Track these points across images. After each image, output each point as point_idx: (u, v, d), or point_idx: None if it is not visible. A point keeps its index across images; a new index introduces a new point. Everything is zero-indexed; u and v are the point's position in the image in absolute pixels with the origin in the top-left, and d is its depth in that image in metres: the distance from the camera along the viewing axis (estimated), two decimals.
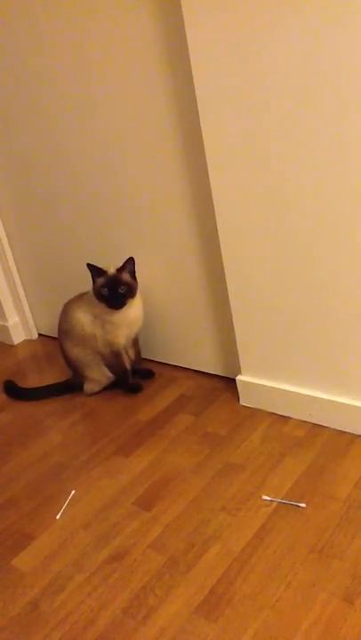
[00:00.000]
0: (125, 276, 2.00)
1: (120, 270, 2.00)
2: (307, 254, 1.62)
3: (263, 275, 1.73)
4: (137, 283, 2.02)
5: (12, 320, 2.78)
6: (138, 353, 2.26)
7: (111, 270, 2.00)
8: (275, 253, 1.67)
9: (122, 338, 2.11)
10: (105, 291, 1.98)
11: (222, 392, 2.10)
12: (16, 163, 2.37)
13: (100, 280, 1.99)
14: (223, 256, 1.79)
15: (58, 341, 2.26)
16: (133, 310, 2.06)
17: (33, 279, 2.67)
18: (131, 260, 2.00)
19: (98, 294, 2.01)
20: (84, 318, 2.10)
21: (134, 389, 2.20)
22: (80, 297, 2.15)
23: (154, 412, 2.07)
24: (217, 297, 2.00)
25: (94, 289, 2.02)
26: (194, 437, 1.90)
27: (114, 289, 1.97)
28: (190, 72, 1.59)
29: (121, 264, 2.00)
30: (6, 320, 2.76)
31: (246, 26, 1.44)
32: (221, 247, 1.78)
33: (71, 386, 2.26)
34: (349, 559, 1.38)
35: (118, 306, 2.00)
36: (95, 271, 2.00)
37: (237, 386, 1.99)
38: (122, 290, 1.98)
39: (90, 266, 2.00)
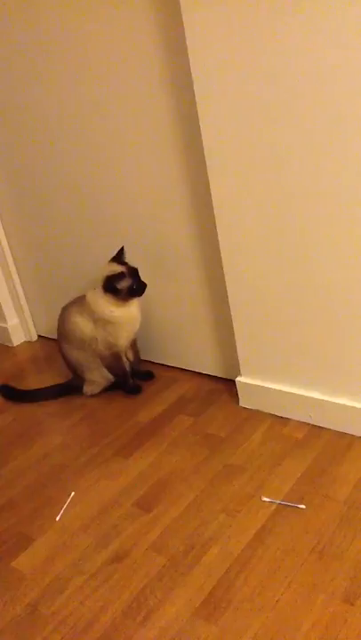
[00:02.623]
0: (130, 266, 2.03)
1: (124, 263, 2.03)
2: (307, 256, 1.62)
3: (263, 276, 1.73)
4: None
5: (12, 321, 2.78)
6: (137, 354, 2.26)
7: (121, 269, 2.01)
8: (274, 255, 1.68)
9: (123, 339, 2.12)
10: (136, 286, 2.02)
11: (222, 393, 2.10)
12: (16, 165, 2.37)
13: (126, 281, 2.00)
14: (223, 257, 1.79)
15: (57, 344, 2.26)
16: (134, 308, 2.08)
17: (32, 280, 2.67)
18: (123, 249, 2.04)
19: (130, 293, 2.02)
20: (82, 322, 2.10)
21: (134, 391, 2.20)
22: (78, 300, 2.15)
23: (153, 413, 2.07)
24: (216, 298, 2.00)
25: (125, 292, 2.01)
26: (194, 439, 1.90)
27: (139, 280, 2.03)
28: (190, 75, 1.59)
29: (117, 257, 2.03)
30: (6, 321, 2.76)
31: (246, 25, 1.44)
32: (221, 248, 1.78)
33: (71, 387, 2.26)
34: (349, 560, 1.38)
35: (144, 288, 2.05)
36: (116, 279, 1.99)
37: (237, 387, 1.99)
38: (139, 276, 2.04)
39: (111, 278, 1.99)
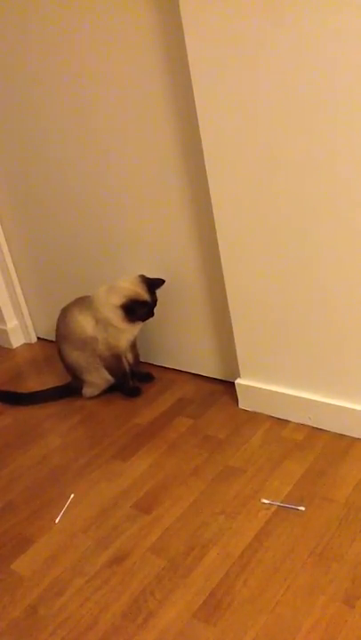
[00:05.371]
0: (155, 297, 2.05)
1: (153, 292, 2.03)
2: (306, 258, 1.62)
3: (262, 278, 1.73)
4: None
5: (11, 323, 2.78)
6: (136, 356, 2.26)
7: (147, 297, 2.02)
8: (273, 257, 1.68)
9: (124, 341, 2.12)
10: (149, 315, 2.05)
11: (221, 395, 2.10)
12: (15, 167, 2.38)
13: (145, 310, 2.03)
14: (222, 259, 1.79)
15: (56, 346, 2.26)
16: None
17: (32, 283, 2.67)
18: (163, 282, 2.05)
19: (141, 319, 2.06)
20: (84, 320, 2.10)
21: (133, 393, 2.20)
22: (80, 301, 2.15)
23: (153, 415, 2.07)
24: (216, 300, 2.00)
25: (138, 317, 2.04)
26: (193, 441, 1.90)
27: (153, 311, 2.06)
28: (190, 82, 1.59)
29: (152, 283, 2.02)
30: (5, 324, 2.76)
31: (246, 27, 1.44)
32: (220, 250, 1.78)
33: (70, 389, 2.26)
34: (349, 562, 1.38)
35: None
36: (140, 306, 2.02)
37: (236, 389, 2.00)
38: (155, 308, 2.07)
39: (136, 303, 2.00)
